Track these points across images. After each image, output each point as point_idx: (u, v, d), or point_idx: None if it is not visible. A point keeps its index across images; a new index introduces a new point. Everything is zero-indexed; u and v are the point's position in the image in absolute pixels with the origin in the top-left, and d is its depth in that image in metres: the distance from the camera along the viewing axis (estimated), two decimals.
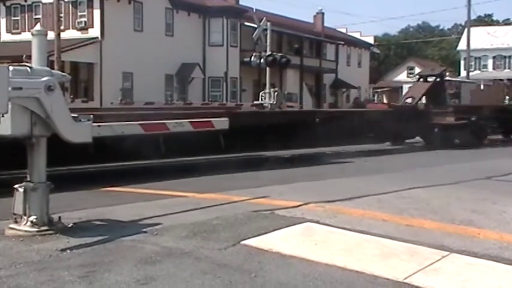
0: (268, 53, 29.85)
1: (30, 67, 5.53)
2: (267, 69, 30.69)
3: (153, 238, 5.50)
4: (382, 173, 11.55)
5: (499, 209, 7.29)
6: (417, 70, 70.16)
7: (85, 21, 33.57)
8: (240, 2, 44.12)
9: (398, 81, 69.89)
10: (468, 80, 34.78)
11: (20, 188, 5.62)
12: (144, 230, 5.80)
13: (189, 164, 11.86)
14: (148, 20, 35.64)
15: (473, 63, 62.63)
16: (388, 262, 4.74)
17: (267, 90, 25.24)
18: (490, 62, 69.00)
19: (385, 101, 61.05)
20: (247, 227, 5.96)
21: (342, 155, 15.10)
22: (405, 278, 4.32)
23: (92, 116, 6.17)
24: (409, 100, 20.21)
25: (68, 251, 4.99)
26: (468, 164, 13.81)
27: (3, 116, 5.30)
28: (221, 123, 11.18)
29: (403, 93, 29.75)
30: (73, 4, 33.96)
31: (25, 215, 5.58)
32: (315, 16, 55.36)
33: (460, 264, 4.72)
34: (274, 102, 21.81)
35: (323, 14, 54.26)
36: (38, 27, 5.93)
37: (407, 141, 19.58)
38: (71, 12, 34.00)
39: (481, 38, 63.80)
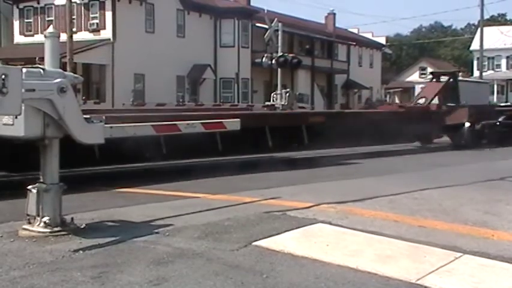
0: (280, 53, 29.86)
1: (43, 69, 5.56)
2: (278, 70, 30.72)
3: (165, 239, 5.51)
4: (393, 173, 11.50)
5: None
6: (429, 70, 69.93)
7: (97, 23, 33.77)
8: (252, 3, 44.18)
9: (410, 81, 69.58)
10: (481, 81, 34.58)
11: (33, 189, 5.65)
12: (156, 231, 5.82)
13: (199, 165, 11.87)
14: (159, 22, 35.78)
15: (486, 63, 62.22)
16: (400, 263, 4.71)
17: (278, 91, 25.25)
18: (503, 62, 68.51)
19: (397, 101, 60.81)
20: (259, 228, 5.96)
21: (354, 155, 15.06)
22: (418, 279, 4.30)
23: (104, 117, 6.21)
24: (421, 101, 20.18)
25: (81, 252, 5.02)
26: (482, 164, 13.73)
27: (16, 117, 5.35)
28: (233, 124, 11.16)
29: (416, 93, 29.71)
30: (85, 6, 34.17)
31: (38, 216, 5.62)
32: (326, 17, 55.32)
33: (473, 265, 4.68)
34: (286, 103, 21.81)
35: (334, 14, 54.25)
36: (50, 29, 5.96)
37: (435, 140, 19.75)
38: (83, 14, 34.22)
39: (494, 38, 63.39)
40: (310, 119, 14.48)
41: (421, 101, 20.15)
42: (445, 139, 19.91)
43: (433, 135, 19.49)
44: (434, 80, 21.66)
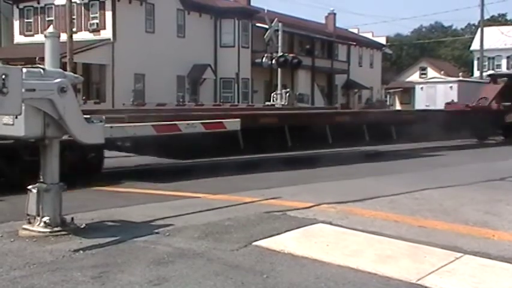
0: (280, 53, 29.86)
1: (43, 69, 5.56)
2: (279, 70, 30.72)
3: (165, 239, 5.51)
4: (396, 173, 11.49)
5: None
6: (430, 70, 69.89)
7: (97, 23, 33.78)
8: (252, 3, 44.19)
9: (410, 81, 69.45)
10: (481, 81, 34.61)
11: (33, 189, 5.65)
12: (157, 230, 5.82)
13: (199, 165, 11.87)
14: (160, 22, 35.77)
15: (486, 63, 62.08)
16: (401, 263, 4.71)
17: (278, 91, 25.27)
18: (503, 62, 68.41)
19: (397, 101, 60.77)
20: (259, 228, 5.95)
21: (356, 154, 15.06)
22: (418, 280, 4.29)
23: (104, 117, 6.21)
24: (482, 101, 21.19)
25: (81, 252, 5.01)
26: (483, 164, 13.75)
27: (16, 117, 5.34)
28: (233, 124, 11.15)
29: (416, 94, 30.01)
30: (85, 6, 34.18)
31: (38, 215, 5.61)
32: (326, 17, 55.30)
33: (473, 265, 4.68)
34: (286, 103, 21.83)
35: (335, 14, 54.23)
36: (50, 29, 5.97)
37: (490, 137, 21.41)
38: (83, 14, 34.22)
39: (494, 38, 63.33)
40: (403, 118, 17.55)
41: (482, 101, 21.24)
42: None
43: (491, 132, 21.18)
44: (492, 82, 23.55)
